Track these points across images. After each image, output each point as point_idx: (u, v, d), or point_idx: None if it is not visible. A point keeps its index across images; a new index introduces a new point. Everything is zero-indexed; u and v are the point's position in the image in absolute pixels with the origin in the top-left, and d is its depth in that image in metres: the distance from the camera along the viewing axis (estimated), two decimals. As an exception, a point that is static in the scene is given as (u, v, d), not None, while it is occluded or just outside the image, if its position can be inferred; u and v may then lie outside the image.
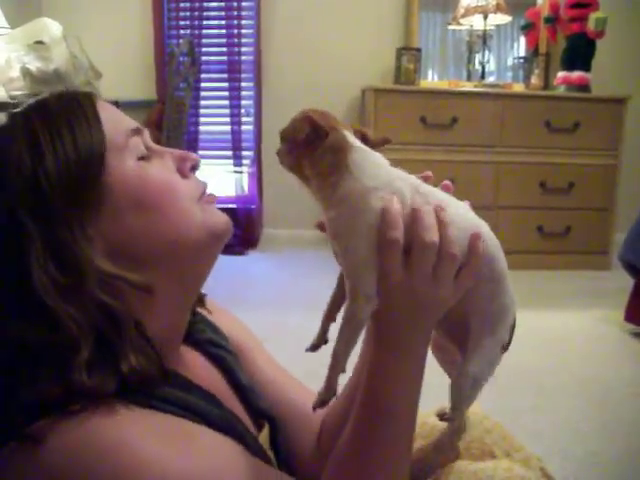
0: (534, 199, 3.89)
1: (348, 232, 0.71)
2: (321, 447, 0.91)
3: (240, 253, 4.15)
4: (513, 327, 0.80)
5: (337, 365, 0.72)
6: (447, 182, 0.78)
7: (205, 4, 4.25)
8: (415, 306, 0.70)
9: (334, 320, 0.76)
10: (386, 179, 0.71)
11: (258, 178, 4.39)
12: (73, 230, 0.62)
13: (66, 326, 0.59)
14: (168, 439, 0.60)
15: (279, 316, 2.85)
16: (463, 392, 0.79)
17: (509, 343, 0.80)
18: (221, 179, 4.39)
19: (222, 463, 0.64)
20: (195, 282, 0.76)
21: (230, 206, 4.26)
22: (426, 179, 0.76)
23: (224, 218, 0.76)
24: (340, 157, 0.70)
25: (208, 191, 0.76)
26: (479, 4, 4.03)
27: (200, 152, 4.15)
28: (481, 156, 3.79)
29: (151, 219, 0.68)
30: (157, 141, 0.76)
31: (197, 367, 0.80)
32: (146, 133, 0.74)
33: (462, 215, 0.75)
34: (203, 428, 0.65)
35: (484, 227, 0.76)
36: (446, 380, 0.81)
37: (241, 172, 4.39)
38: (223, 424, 0.69)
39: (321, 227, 0.76)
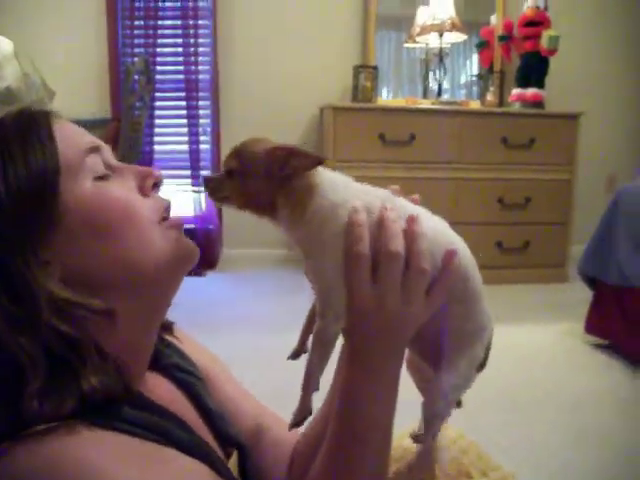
0: (493, 215, 3.93)
1: (317, 249, 0.70)
2: (293, 474, 0.87)
3: (199, 274, 4.07)
4: (489, 346, 0.78)
5: (310, 384, 0.71)
6: (415, 196, 0.76)
7: (160, 22, 4.20)
8: (385, 322, 0.68)
9: (312, 332, 0.74)
10: (354, 194, 0.71)
11: (217, 197, 4.32)
12: (26, 256, 0.59)
13: (17, 358, 0.55)
14: (133, 461, 0.56)
15: (241, 337, 2.80)
16: (435, 411, 0.77)
17: (485, 362, 0.78)
18: (179, 199, 4.32)
19: None
20: (157, 305, 0.72)
21: (189, 226, 4.19)
22: (396, 192, 0.74)
23: (186, 243, 0.72)
24: (310, 180, 0.70)
25: (172, 212, 0.73)
26: (435, 22, 4.08)
27: (157, 171, 4.05)
28: (440, 173, 3.81)
29: (108, 243, 0.64)
30: (113, 159, 0.74)
31: (164, 392, 0.75)
32: (106, 150, 0.70)
33: (437, 229, 0.73)
34: (173, 451, 0.61)
35: (460, 244, 0.74)
36: (420, 399, 0.79)
37: (199, 191, 4.32)
38: (193, 448, 0.65)
39: (294, 356, 0.78)
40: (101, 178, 0.66)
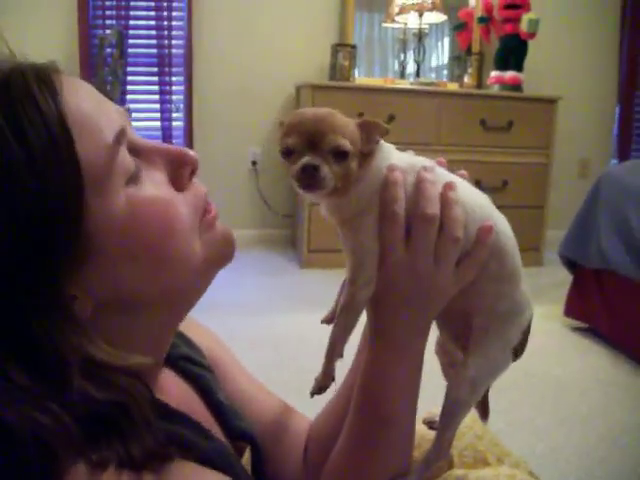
0: (470, 197, 3.90)
1: (359, 210, 0.67)
2: (309, 461, 0.83)
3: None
4: (527, 332, 0.74)
5: (334, 350, 0.69)
6: (463, 172, 0.74)
7: (133, -6, 4.06)
8: (414, 287, 0.66)
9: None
10: (400, 157, 0.69)
11: (189, 176, 4.23)
12: (48, 311, 0.47)
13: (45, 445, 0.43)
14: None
15: (217, 319, 2.73)
16: (459, 397, 0.73)
17: (521, 350, 0.74)
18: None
19: None
20: (188, 308, 0.64)
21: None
22: (441, 164, 0.72)
23: (224, 240, 0.63)
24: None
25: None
26: (415, 1, 4.02)
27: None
28: (419, 154, 3.76)
29: (146, 264, 0.54)
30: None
31: (173, 388, 0.70)
32: (129, 128, 0.56)
33: (476, 202, 0.69)
34: (196, 467, 0.53)
35: (501, 221, 0.71)
36: (438, 383, 0.76)
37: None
38: (214, 457, 0.58)
39: (328, 321, 0.74)
40: (131, 179, 0.54)
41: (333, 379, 0.71)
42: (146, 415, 0.50)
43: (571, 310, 2.82)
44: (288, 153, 0.64)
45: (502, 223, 0.71)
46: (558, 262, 2.91)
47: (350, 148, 0.62)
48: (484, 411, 0.84)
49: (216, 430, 0.70)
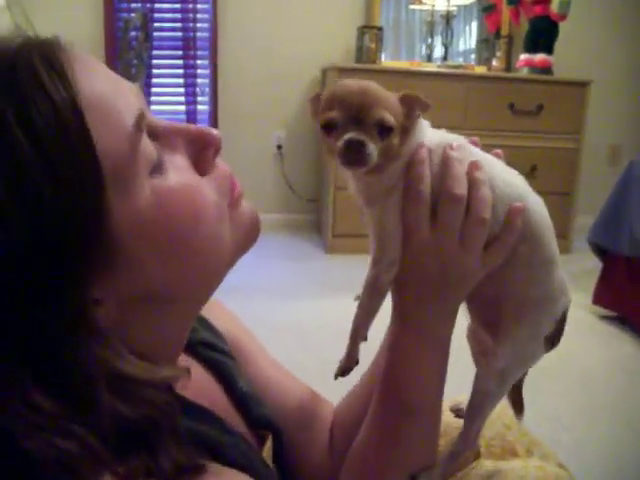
0: (497, 183, 3.84)
1: (387, 188, 0.65)
2: (335, 447, 0.82)
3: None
4: (563, 321, 0.71)
5: (357, 333, 0.69)
6: (498, 150, 0.71)
7: (159, -24, 4.04)
8: (438, 270, 0.63)
9: None
10: (437, 137, 0.67)
11: (214, 160, 4.22)
12: (71, 324, 0.42)
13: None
14: None
15: (240, 302, 2.72)
16: (486, 388, 0.71)
17: (557, 340, 0.71)
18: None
19: None
20: (210, 294, 0.61)
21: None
22: (473, 144, 0.69)
23: (252, 222, 0.60)
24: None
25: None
26: (443, -17, 3.94)
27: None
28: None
29: (176, 260, 0.51)
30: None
31: (192, 378, 0.67)
32: (148, 113, 0.51)
33: (508, 182, 0.66)
34: (218, 467, 0.51)
35: (534, 203, 0.68)
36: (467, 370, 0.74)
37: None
38: (236, 454, 0.57)
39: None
40: (154, 169, 0.49)
41: (357, 362, 0.70)
42: (175, 428, 0.47)
43: (600, 298, 2.76)
44: (330, 128, 0.61)
45: (536, 205, 0.67)
46: (587, 249, 2.85)
47: (394, 123, 0.60)
48: (519, 407, 0.81)
49: (236, 419, 0.69)
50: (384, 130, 0.60)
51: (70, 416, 0.40)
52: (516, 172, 0.69)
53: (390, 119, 0.60)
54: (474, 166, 0.64)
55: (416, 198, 0.62)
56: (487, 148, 0.70)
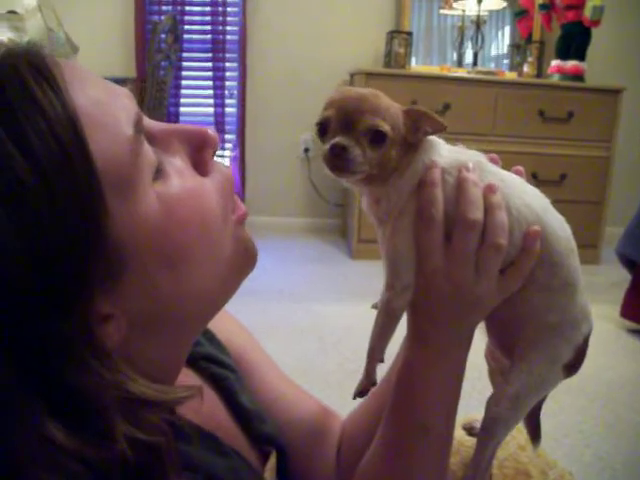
0: (525, 191, 3.79)
1: (398, 208, 0.63)
2: (342, 464, 0.80)
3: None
4: (584, 348, 0.68)
5: (373, 354, 0.67)
6: (519, 167, 0.69)
7: (189, -21, 4.07)
8: (452, 296, 0.62)
9: None
10: (452, 155, 0.64)
11: (241, 162, 4.25)
12: (77, 347, 0.40)
13: None
14: None
15: (263, 305, 2.73)
16: (498, 413, 0.67)
17: (576, 367, 0.69)
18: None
19: None
20: (214, 315, 0.59)
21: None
22: (493, 161, 0.67)
23: (252, 246, 0.58)
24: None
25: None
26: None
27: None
28: (472, 145, 3.65)
29: (184, 271, 0.49)
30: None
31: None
32: (143, 117, 0.49)
33: (526, 203, 0.64)
34: None
35: (554, 223, 0.65)
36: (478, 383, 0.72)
37: (223, 156, 4.24)
38: (225, 475, 0.55)
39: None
40: (157, 173, 0.48)
41: (374, 383, 0.68)
42: (177, 459, 0.44)
43: (628, 311, 2.70)
44: (323, 131, 0.60)
45: (557, 226, 0.65)
46: (616, 260, 2.78)
47: (388, 131, 0.58)
48: (535, 433, 0.78)
49: (238, 435, 0.68)
50: (376, 138, 0.58)
51: (84, 448, 0.38)
52: (537, 190, 0.67)
53: (383, 127, 0.58)
54: (490, 189, 0.62)
55: (427, 222, 0.61)
56: (515, 155, 0.68)
